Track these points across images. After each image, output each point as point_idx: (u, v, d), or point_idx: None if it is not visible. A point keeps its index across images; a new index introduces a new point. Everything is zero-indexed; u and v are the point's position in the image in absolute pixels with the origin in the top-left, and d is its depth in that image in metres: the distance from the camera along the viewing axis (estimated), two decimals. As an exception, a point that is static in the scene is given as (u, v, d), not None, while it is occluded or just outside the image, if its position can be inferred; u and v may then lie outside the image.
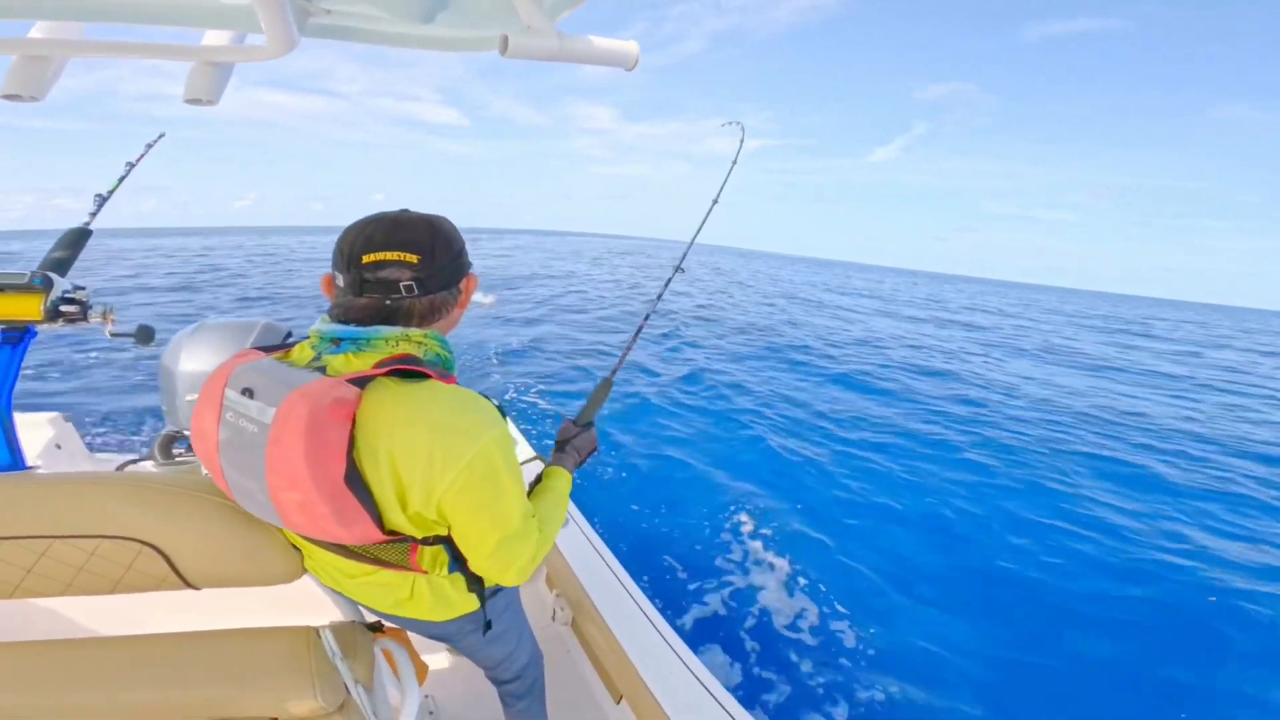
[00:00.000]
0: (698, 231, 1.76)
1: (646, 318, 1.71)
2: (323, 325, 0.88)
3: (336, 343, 0.86)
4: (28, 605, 1.53)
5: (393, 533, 0.88)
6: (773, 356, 10.79)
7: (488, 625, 1.15)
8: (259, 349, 0.89)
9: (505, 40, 0.95)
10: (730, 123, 1.88)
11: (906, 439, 6.79)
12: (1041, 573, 4.23)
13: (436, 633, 1.16)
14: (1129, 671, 3.39)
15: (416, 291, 0.86)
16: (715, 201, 1.81)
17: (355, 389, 0.78)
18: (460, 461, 0.82)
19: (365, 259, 0.84)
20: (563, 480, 1.17)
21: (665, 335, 11.80)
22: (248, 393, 0.79)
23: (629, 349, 1.59)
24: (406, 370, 0.83)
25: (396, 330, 0.87)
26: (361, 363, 0.84)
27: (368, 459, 0.81)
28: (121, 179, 2.09)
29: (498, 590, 1.17)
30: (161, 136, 2.21)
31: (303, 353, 0.88)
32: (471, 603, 1.08)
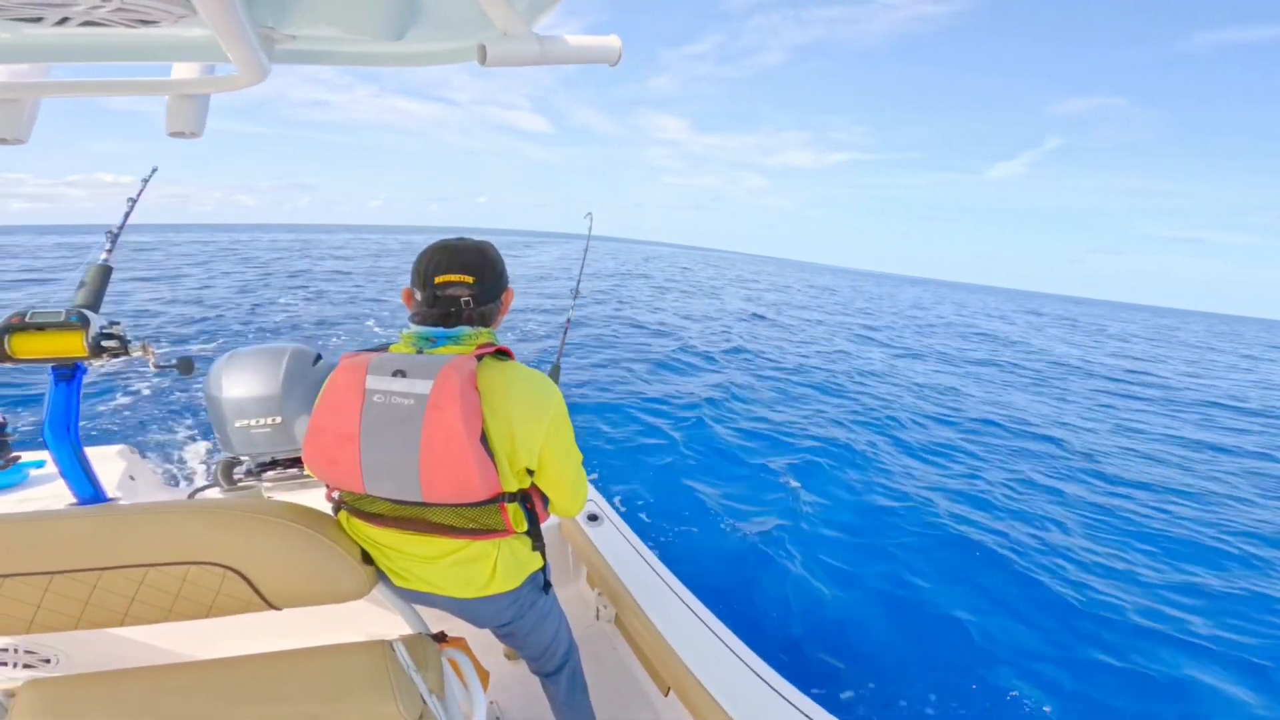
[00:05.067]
0: (579, 278, 2.49)
1: (568, 320, 2.38)
2: (416, 329, 1.11)
3: (432, 340, 1.08)
4: (138, 632, 1.62)
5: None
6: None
7: (547, 584, 1.33)
8: (362, 352, 1.07)
9: (483, 49, 0.91)
10: (586, 215, 2.61)
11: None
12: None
13: (505, 615, 1.25)
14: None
15: (473, 305, 1.10)
16: (578, 282, 2.46)
17: (476, 362, 1.02)
18: (549, 413, 1.09)
19: (437, 280, 1.08)
20: None
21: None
22: (400, 374, 0.98)
23: (563, 343, 2.19)
24: (496, 352, 1.10)
25: (474, 329, 1.10)
26: (462, 351, 1.06)
27: (490, 417, 1.03)
28: (126, 215, 2.11)
29: (544, 564, 1.33)
30: (155, 171, 2.23)
31: (401, 350, 1.08)
32: (537, 560, 1.26)
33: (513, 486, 1.11)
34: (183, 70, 1.10)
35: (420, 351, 1.06)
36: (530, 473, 1.15)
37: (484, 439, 1.01)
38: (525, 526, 1.18)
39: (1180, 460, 7.16)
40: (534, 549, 1.23)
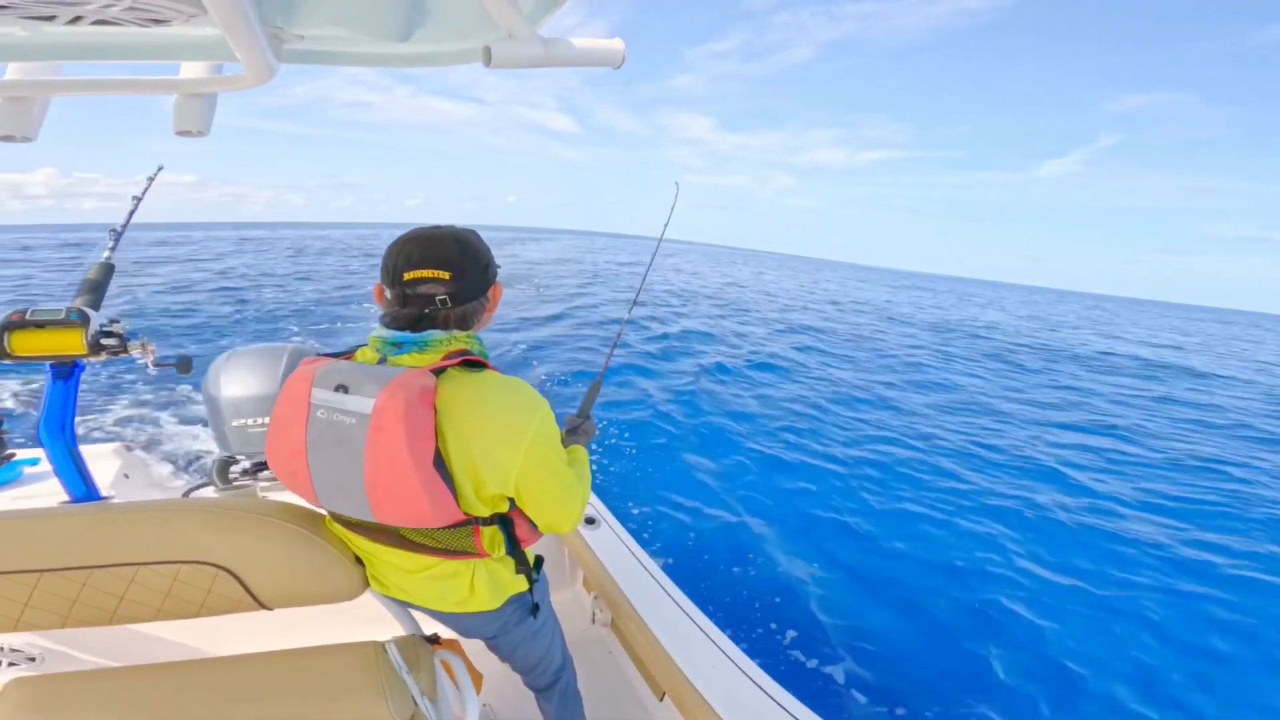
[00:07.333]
0: (653, 257, 2.12)
1: (623, 324, 1.97)
2: (382, 332, 0.99)
3: (398, 346, 0.96)
4: (126, 631, 1.60)
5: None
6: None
7: (535, 607, 1.22)
8: (325, 356, 0.98)
9: (488, 51, 0.92)
10: (674, 182, 2.16)
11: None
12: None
13: (488, 629, 1.20)
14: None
15: (450, 304, 0.96)
16: (660, 240, 2.09)
17: (434, 378, 0.90)
18: (527, 434, 0.95)
19: (406, 276, 0.95)
20: (584, 453, 1.33)
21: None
22: (342, 389, 0.89)
23: (610, 355, 1.80)
24: (467, 362, 0.96)
25: (447, 333, 0.97)
26: (427, 360, 0.94)
27: (451, 439, 0.92)
28: (131, 213, 2.12)
29: (536, 580, 1.25)
30: (160, 169, 2.24)
31: (367, 355, 0.99)
32: (521, 583, 1.16)
33: (484, 512, 1.01)
34: (191, 70, 1.11)
35: (384, 358, 0.97)
36: (511, 499, 1.05)
37: (442, 462, 0.91)
38: (504, 550, 1.10)
39: None
40: (517, 572, 1.15)
